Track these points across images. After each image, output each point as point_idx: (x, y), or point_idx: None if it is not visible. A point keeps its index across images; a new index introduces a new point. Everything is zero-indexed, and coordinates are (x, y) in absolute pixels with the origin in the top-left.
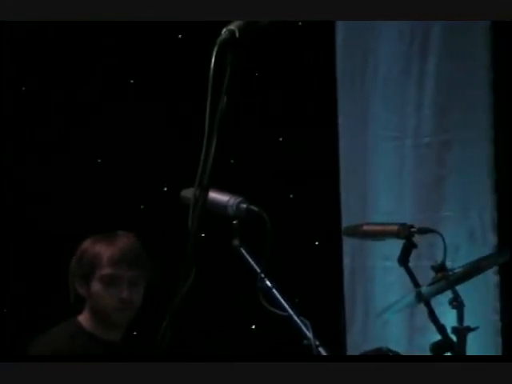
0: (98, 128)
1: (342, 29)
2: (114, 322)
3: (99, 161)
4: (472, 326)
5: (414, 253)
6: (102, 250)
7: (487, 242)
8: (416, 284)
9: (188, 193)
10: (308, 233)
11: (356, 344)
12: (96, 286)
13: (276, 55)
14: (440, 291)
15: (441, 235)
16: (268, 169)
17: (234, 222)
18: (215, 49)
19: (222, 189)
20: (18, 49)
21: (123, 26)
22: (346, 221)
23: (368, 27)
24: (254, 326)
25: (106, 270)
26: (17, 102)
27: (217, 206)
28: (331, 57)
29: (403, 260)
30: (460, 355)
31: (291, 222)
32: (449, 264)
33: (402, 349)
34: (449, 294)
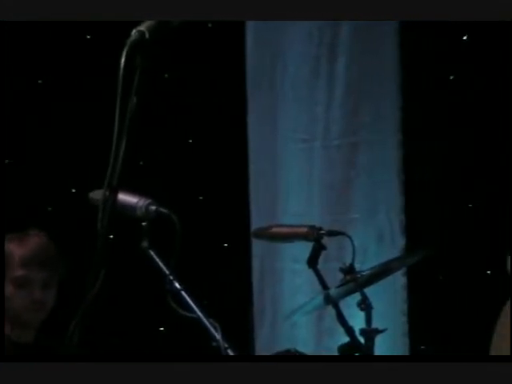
0: (5, 129)
1: (251, 29)
2: (26, 323)
3: (7, 162)
4: (380, 327)
5: (322, 255)
6: (13, 249)
7: (395, 244)
8: (325, 286)
9: (97, 194)
10: (217, 235)
11: (264, 346)
12: (8, 288)
13: (186, 56)
14: (348, 293)
15: (349, 237)
16: (177, 170)
17: (143, 223)
18: (125, 50)
19: (131, 190)
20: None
21: (31, 26)
22: (256, 223)
23: (277, 28)
24: (162, 328)
25: (18, 272)
26: None
27: (126, 207)
28: (241, 58)
29: (312, 262)
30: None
31: (200, 223)
32: (357, 266)
33: (310, 350)
34: (357, 296)
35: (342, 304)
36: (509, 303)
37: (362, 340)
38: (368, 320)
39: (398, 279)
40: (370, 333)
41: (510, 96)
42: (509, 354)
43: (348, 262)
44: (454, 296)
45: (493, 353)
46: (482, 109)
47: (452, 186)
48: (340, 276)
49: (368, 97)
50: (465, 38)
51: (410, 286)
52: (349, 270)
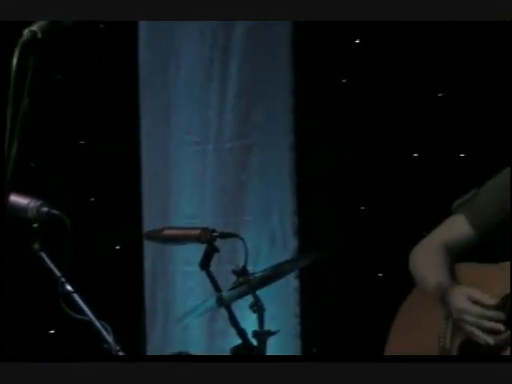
0: None
1: (144, 29)
2: None
3: None
4: (272, 329)
5: (215, 257)
6: None
7: (288, 246)
8: (217, 288)
9: None
10: (109, 236)
11: (156, 348)
12: None
13: (78, 57)
14: (241, 295)
15: (242, 239)
16: (69, 172)
17: (35, 225)
18: (17, 50)
19: (22, 192)
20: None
21: None
22: (148, 225)
23: (170, 28)
24: (53, 331)
25: None
26: None
27: (17, 209)
28: (134, 58)
29: (204, 264)
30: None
31: (92, 225)
32: (250, 268)
33: (202, 352)
34: (250, 298)
35: (235, 306)
36: (405, 304)
37: (254, 342)
38: (260, 322)
39: (291, 281)
40: (262, 335)
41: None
42: (407, 353)
43: (241, 264)
44: (346, 298)
45: (388, 353)
46: (374, 110)
47: (344, 188)
48: (233, 278)
49: (260, 99)
50: (357, 40)
51: (303, 289)
52: (241, 273)
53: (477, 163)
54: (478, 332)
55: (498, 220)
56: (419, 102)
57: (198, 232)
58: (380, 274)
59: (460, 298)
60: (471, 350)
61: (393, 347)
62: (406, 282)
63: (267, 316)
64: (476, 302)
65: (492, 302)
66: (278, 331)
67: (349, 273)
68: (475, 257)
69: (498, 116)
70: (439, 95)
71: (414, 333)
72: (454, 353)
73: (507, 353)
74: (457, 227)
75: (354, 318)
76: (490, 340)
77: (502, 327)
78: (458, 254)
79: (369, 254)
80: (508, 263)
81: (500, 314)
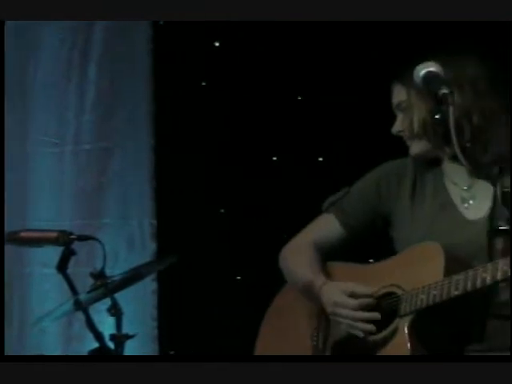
0: None
1: (10, 28)
2: None
3: None
4: (130, 332)
5: (73, 260)
6: None
7: (146, 249)
8: (74, 291)
9: None
10: None
11: (12, 351)
12: None
13: None
14: (99, 298)
15: (100, 242)
16: None
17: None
18: None
19: None
20: None
21: None
22: (7, 227)
23: (30, 28)
24: None
25: None
26: None
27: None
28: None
29: (61, 267)
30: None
31: None
32: (108, 271)
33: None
34: (107, 302)
35: (92, 309)
36: (275, 302)
37: (111, 345)
38: (118, 325)
39: (148, 284)
40: (119, 338)
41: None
42: (279, 353)
43: (98, 267)
44: (204, 301)
45: (258, 353)
46: (234, 113)
47: (204, 191)
48: (90, 281)
49: (120, 101)
50: (217, 44)
51: (160, 291)
52: (99, 276)
53: (335, 166)
54: (355, 324)
55: (368, 219)
56: (279, 105)
57: (55, 234)
58: (238, 277)
59: (334, 292)
60: (345, 349)
61: (263, 347)
62: (264, 285)
63: (125, 319)
64: (351, 295)
65: (368, 291)
66: (136, 334)
67: (207, 276)
68: (348, 256)
69: (356, 120)
70: (299, 98)
71: (285, 332)
72: (328, 352)
73: (384, 353)
74: (327, 226)
75: (212, 321)
76: (370, 328)
77: (378, 316)
78: (329, 253)
79: (227, 257)
80: (381, 263)
81: (375, 304)
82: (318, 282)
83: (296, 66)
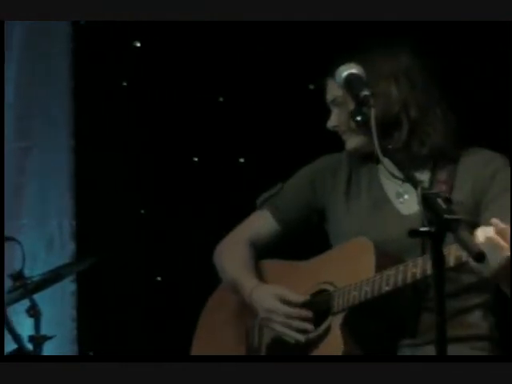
0: None
1: None
2: None
3: None
4: (49, 334)
5: None
6: None
7: (65, 250)
8: None
9: None
10: None
11: None
12: None
13: None
14: (17, 300)
15: (19, 243)
16: None
17: None
18: None
19: None
20: None
21: None
22: None
23: None
24: None
25: None
26: None
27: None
28: None
29: None
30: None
31: None
32: (27, 272)
33: None
34: (26, 303)
35: (11, 310)
36: (211, 301)
37: (30, 347)
38: (37, 326)
39: (67, 285)
40: (38, 339)
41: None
42: (214, 352)
43: (17, 268)
44: (124, 302)
45: (194, 352)
46: (156, 114)
47: (124, 192)
48: (9, 282)
49: (40, 101)
50: (138, 44)
51: (79, 292)
52: (18, 277)
53: (256, 168)
54: (287, 331)
55: (303, 214)
56: (200, 105)
57: None
58: (159, 278)
59: (267, 298)
60: (280, 348)
61: (199, 346)
62: (184, 286)
63: (44, 320)
64: (284, 301)
65: (300, 299)
66: (55, 336)
67: (127, 276)
68: (283, 253)
69: (278, 120)
70: (220, 100)
71: (221, 330)
72: (263, 351)
73: (318, 352)
74: (262, 222)
75: (131, 322)
76: (301, 338)
77: (310, 326)
78: (264, 250)
79: (148, 258)
80: (315, 259)
81: (308, 313)
82: (250, 286)
83: (217, 66)
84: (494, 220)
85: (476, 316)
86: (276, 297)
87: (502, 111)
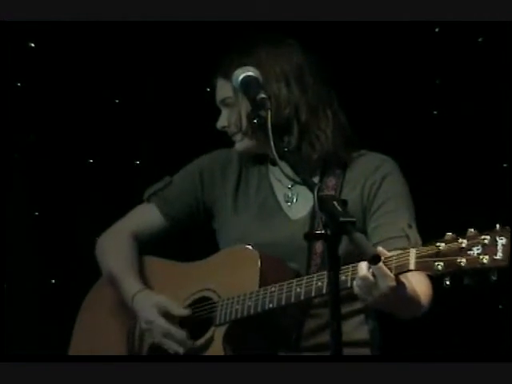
0: None
1: None
2: None
3: None
4: None
5: None
6: None
7: None
8: None
9: None
10: None
11: None
12: None
13: None
14: None
15: None
16: None
17: None
18: None
19: None
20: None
21: None
22: None
23: None
24: None
25: None
26: None
27: None
28: None
29: None
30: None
31: None
32: None
33: None
34: None
35: None
36: (89, 297)
37: None
38: None
39: None
40: None
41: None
42: (93, 351)
43: None
44: (19, 304)
45: (72, 352)
46: (50, 116)
47: (17, 194)
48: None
49: None
50: (32, 44)
51: None
52: None
53: (151, 170)
54: (166, 343)
55: (190, 210)
56: (95, 107)
57: None
58: (53, 281)
59: (148, 309)
60: (161, 351)
61: (76, 345)
62: (79, 288)
63: None
64: (164, 314)
65: (182, 313)
66: None
67: (21, 279)
68: (169, 250)
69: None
70: (116, 101)
71: (101, 329)
72: (144, 352)
73: (208, 351)
74: (148, 216)
75: (26, 324)
76: (179, 350)
77: (189, 342)
78: (148, 244)
79: (42, 261)
80: (200, 262)
81: (184, 331)
82: (132, 291)
83: (112, 68)
84: (380, 249)
85: (356, 321)
86: (157, 308)
87: (392, 114)
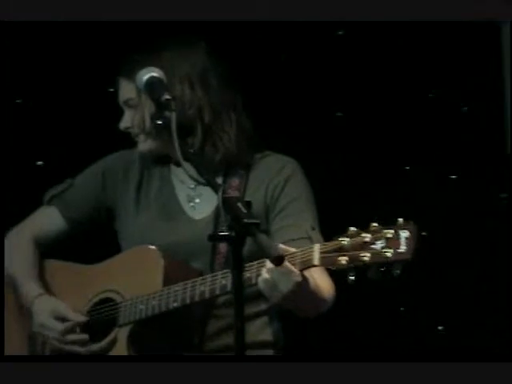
0: None
1: None
2: None
3: None
4: None
5: None
6: None
7: None
8: None
9: None
10: None
11: None
12: None
13: None
14: None
15: None
16: None
17: None
18: None
19: None
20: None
21: None
22: None
23: None
24: None
25: None
26: None
27: None
28: None
29: None
30: None
31: None
32: None
33: None
34: None
35: None
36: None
37: None
38: None
39: None
40: None
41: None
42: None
43: None
44: None
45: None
46: None
47: None
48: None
49: None
50: None
51: None
52: None
53: (55, 171)
54: (64, 346)
55: (92, 212)
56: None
57: None
58: None
59: (43, 314)
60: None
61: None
62: None
63: None
64: (61, 319)
65: (78, 319)
66: None
67: None
68: (71, 252)
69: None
70: (17, 101)
71: (5, 331)
72: (48, 353)
73: (112, 352)
74: (49, 219)
75: None
76: (80, 350)
77: (82, 349)
78: (49, 248)
79: None
80: (102, 264)
81: (90, 326)
82: (32, 295)
83: (13, 67)
84: (282, 246)
85: (260, 323)
86: (52, 314)
87: (295, 115)
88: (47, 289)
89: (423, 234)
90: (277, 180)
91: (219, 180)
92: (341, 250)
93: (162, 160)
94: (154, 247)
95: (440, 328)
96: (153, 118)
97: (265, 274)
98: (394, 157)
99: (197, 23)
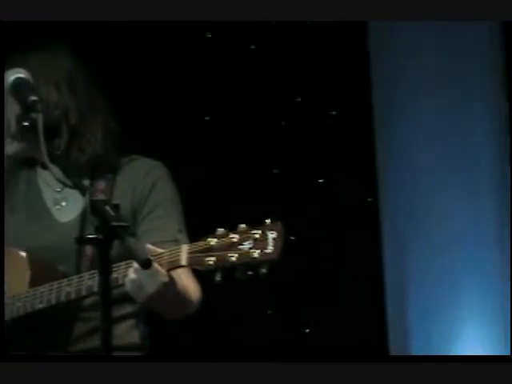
0: None
1: None
2: None
3: None
4: None
5: None
6: None
7: None
8: None
9: None
10: None
11: None
12: None
13: None
14: None
15: None
16: None
17: None
18: None
19: None
20: None
21: None
22: None
23: None
24: None
25: None
26: None
27: None
28: None
29: None
30: None
31: None
32: None
33: None
34: None
35: None
36: None
37: None
38: None
39: None
40: None
41: None
42: None
43: None
44: None
45: None
46: None
47: None
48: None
49: None
50: None
51: None
52: None
53: None
54: None
55: None
56: None
57: None
58: None
59: None
60: None
61: None
62: None
63: None
64: None
65: None
66: None
67: None
68: None
69: None
70: None
71: None
72: None
73: None
74: None
75: None
76: None
77: None
78: None
79: None
80: None
81: None
82: None
83: None
84: (149, 246)
85: (127, 325)
86: None
87: (164, 119)
88: None
89: (291, 238)
90: (144, 184)
91: (86, 182)
92: (209, 250)
93: (28, 162)
94: (20, 250)
95: (307, 331)
96: (18, 120)
97: (131, 275)
98: (263, 160)
99: (63, 23)
